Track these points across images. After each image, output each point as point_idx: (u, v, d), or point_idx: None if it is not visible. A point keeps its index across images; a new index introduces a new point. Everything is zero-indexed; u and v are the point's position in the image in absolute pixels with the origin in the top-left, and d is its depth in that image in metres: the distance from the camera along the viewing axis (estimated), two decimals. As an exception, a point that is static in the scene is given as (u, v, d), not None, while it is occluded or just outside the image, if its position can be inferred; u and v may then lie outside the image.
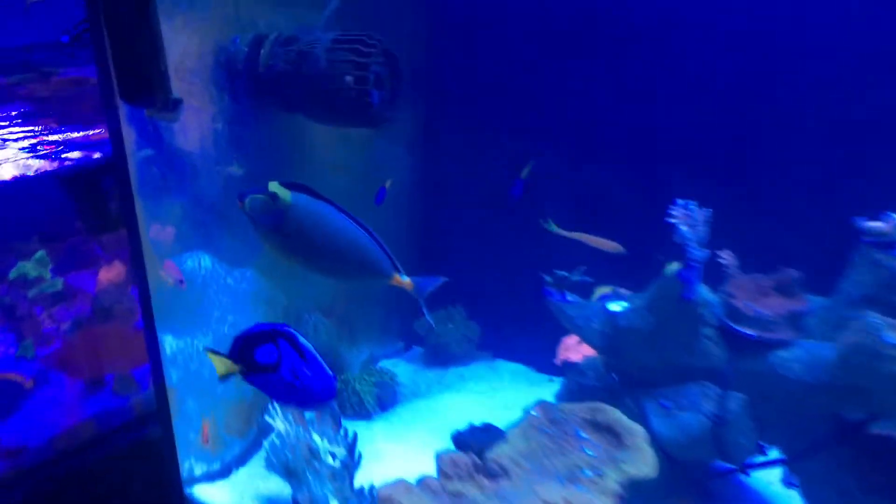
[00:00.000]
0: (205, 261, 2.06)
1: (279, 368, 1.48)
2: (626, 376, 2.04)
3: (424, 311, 1.75)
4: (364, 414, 2.51)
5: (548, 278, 2.16)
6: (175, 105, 1.51)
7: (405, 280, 1.73)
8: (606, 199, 2.49)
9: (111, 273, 2.29)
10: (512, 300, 2.76)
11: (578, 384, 2.17)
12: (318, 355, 1.49)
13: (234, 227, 2.06)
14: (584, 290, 2.20)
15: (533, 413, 1.93)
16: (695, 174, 2.17)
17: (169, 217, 1.91)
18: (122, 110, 1.63)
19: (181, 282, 1.88)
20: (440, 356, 2.90)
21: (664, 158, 2.36)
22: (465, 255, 2.78)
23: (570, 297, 2.13)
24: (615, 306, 2.04)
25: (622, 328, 2.00)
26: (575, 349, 2.41)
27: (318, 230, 1.65)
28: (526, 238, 2.55)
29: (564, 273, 2.14)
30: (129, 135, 1.70)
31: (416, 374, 2.83)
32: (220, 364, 1.49)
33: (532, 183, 2.53)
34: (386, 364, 2.84)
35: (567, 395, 2.19)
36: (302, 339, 1.48)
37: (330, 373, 1.48)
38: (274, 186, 1.62)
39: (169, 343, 1.91)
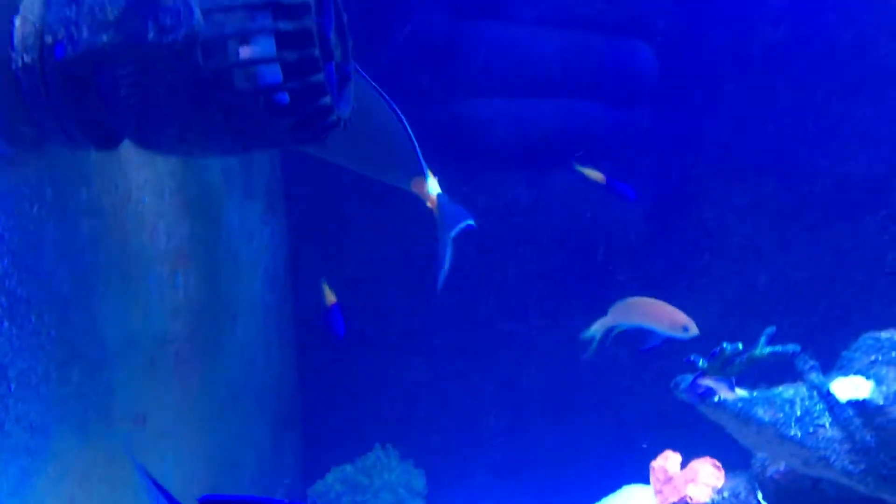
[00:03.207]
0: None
1: None
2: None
3: (446, 255, 1.26)
4: None
5: (700, 360, 1.27)
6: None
7: (430, 190, 1.29)
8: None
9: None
10: (468, 418, 2.05)
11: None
12: None
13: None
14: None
15: None
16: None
17: None
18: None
19: None
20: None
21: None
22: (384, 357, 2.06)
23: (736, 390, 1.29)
24: (844, 386, 1.18)
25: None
26: (688, 480, 1.68)
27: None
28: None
29: (733, 347, 1.23)
30: None
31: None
32: None
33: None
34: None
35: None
36: None
37: None
38: None
39: None
